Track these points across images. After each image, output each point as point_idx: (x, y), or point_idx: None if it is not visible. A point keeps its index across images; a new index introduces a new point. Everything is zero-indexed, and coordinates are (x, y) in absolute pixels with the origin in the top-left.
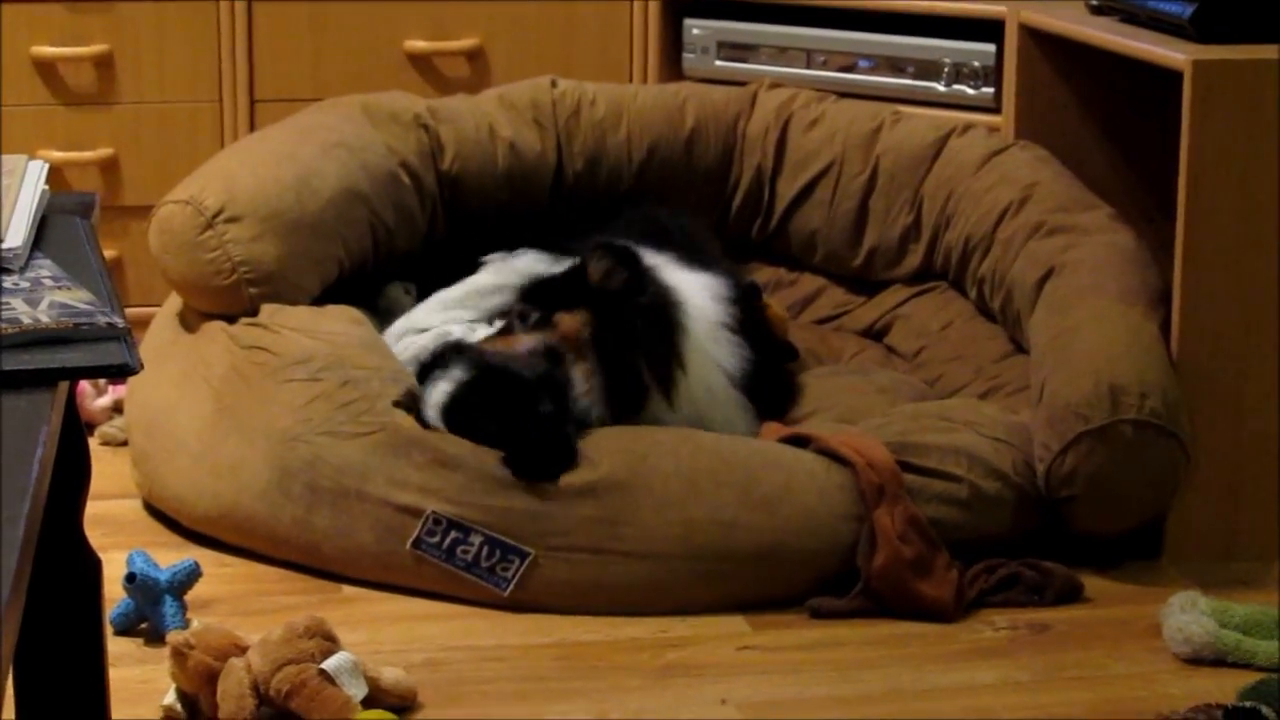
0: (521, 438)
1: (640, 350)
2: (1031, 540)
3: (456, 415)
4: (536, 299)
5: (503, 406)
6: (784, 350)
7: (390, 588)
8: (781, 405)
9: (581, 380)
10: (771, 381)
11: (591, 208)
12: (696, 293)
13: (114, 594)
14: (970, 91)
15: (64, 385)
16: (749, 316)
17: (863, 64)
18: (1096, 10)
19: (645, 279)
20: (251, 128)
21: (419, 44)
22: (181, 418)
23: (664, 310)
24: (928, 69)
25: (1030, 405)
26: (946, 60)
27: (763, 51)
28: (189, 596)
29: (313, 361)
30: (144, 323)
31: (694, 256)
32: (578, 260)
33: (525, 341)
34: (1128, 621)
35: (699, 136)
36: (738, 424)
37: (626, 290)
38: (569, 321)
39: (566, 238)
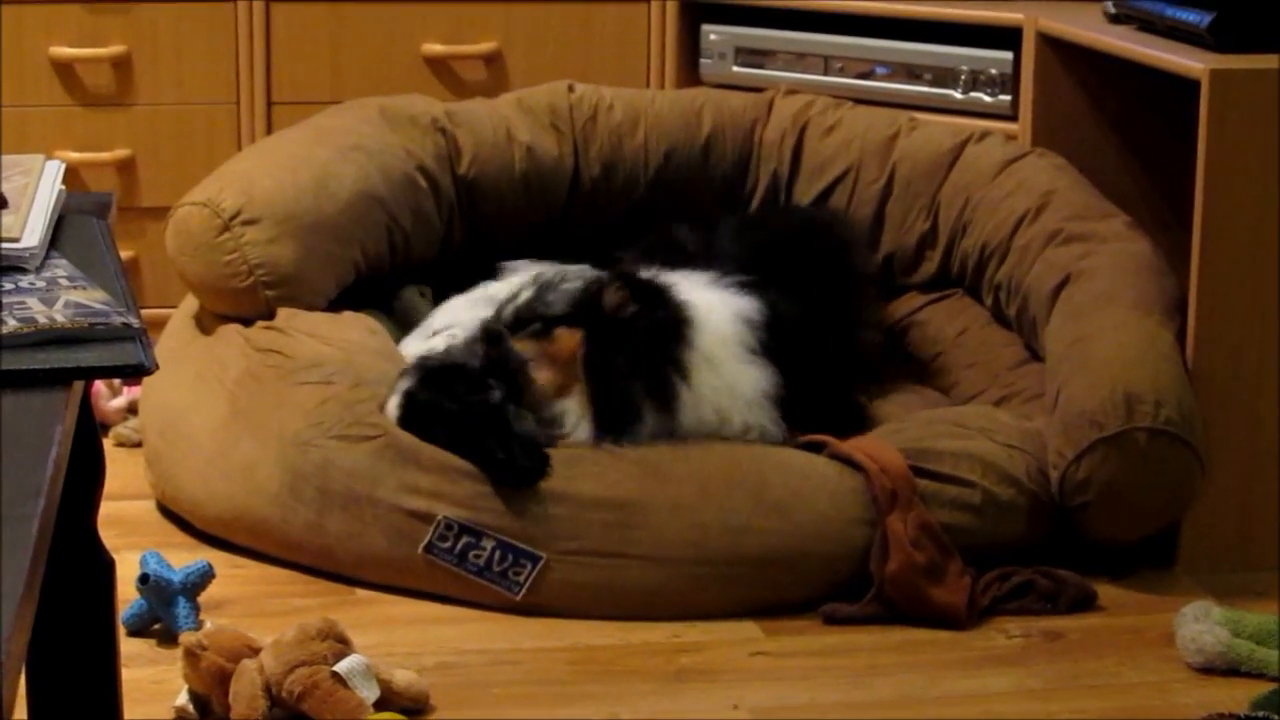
0: (487, 453)
1: (635, 372)
2: (1045, 547)
3: (410, 423)
4: (544, 307)
5: (451, 401)
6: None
7: (403, 590)
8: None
9: (574, 405)
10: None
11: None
12: (715, 311)
13: (127, 595)
14: (987, 99)
15: (79, 385)
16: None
17: (880, 70)
18: (1114, 18)
19: (656, 309)
20: (269, 130)
21: (437, 47)
22: (196, 419)
23: (666, 326)
24: (945, 76)
25: (1045, 412)
26: (964, 67)
27: (780, 57)
28: (202, 598)
29: (325, 367)
30: (160, 324)
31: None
32: (594, 280)
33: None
34: (1141, 630)
35: (716, 142)
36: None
37: (633, 319)
38: (566, 338)
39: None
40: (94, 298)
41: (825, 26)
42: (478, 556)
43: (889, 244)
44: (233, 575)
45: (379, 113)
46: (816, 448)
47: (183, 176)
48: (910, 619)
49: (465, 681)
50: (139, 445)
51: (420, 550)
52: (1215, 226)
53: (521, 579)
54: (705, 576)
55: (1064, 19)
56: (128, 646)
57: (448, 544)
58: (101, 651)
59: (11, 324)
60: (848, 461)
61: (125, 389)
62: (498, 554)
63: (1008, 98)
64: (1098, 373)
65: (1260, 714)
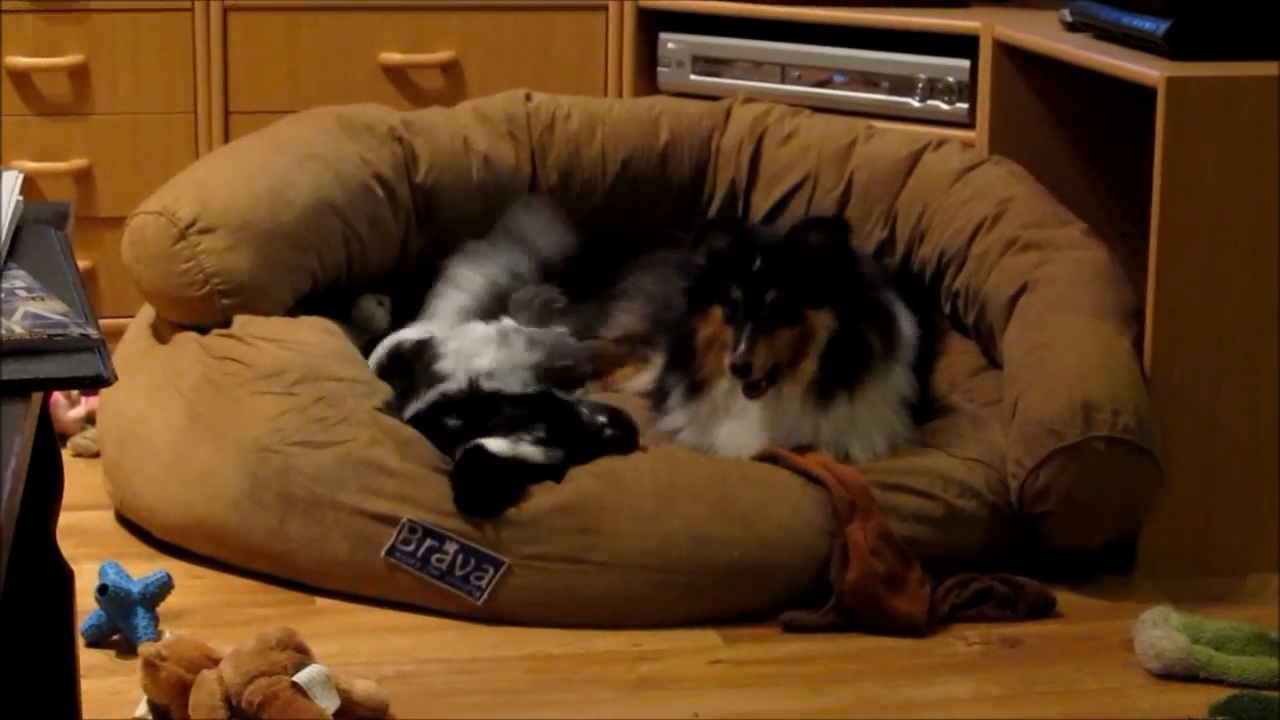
0: (463, 473)
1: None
2: (1005, 555)
3: (428, 419)
4: (775, 282)
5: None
6: None
7: (363, 599)
8: None
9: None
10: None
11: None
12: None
13: (86, 605)
14: (945, 107)
15: (37, 396)
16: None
17: (837, 79)
18: (1071, 26)
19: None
20: (226, 139)
21: (394, 56)
22: (154, 428)
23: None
24: (902, 84)
25: (1003, 421)
26: (921, 75)
27: (738, 66)
28: (161, 608)
29: (287, 374)
30: (117, 334)
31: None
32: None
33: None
34: (1100, 636)
35: (673, 150)
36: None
37: (840, 258)
38: (820, 320)
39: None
40: (52, 308)
41: (783, 35)
42: (440, 560)
43: None
44: (192, 585)
45: (336, 121)
46: (772, 461)
47: (140, 186)
48: (870, 627)
49: (424, 690)
50: (97, 455)
51: (383, 554)
52: (1172, 234)
53: (483, 584)
54: (666, 585)
55: (1021, 27)
56: (87, 657)
57: (410, 547)
58: (60, 662)
59: None
60: (804, 475)
61: (83, 399)
62: (460, 558)
63: (965, 106)
64: (1055, 381)
65: (1219, 719)
